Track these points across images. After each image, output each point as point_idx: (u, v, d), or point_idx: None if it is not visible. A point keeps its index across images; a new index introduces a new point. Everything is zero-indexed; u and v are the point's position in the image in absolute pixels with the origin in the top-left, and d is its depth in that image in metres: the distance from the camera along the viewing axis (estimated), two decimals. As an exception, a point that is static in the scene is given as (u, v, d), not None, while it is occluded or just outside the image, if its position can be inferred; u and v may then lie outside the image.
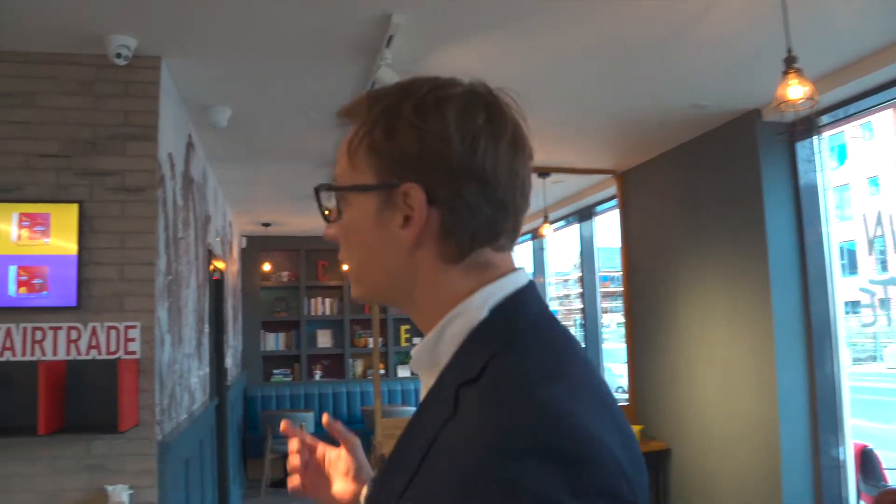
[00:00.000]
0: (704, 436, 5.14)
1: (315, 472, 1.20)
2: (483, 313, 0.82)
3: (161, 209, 3.46)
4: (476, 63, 3.70)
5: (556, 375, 0.74)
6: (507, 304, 0.83)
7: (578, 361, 0.80)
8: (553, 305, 9.34)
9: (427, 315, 0.87)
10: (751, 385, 4.60)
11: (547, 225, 6.44)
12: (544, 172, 6.12)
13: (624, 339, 6.26)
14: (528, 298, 0.85)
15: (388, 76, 3.27)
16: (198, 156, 4.87)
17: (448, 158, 0.81)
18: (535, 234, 9.21)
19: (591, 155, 5.85)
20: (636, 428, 5.66)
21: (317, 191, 0.90)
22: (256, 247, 9.54)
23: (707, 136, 5.08)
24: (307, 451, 1.21)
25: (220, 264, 6.33)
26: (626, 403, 6.23)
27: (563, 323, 0.88)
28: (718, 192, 4.96)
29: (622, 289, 6.25)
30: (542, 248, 9.34)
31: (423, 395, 0.87)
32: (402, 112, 0.83)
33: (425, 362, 0.86)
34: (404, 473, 0.77)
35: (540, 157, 5.92)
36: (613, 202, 7.02)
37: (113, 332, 3.24)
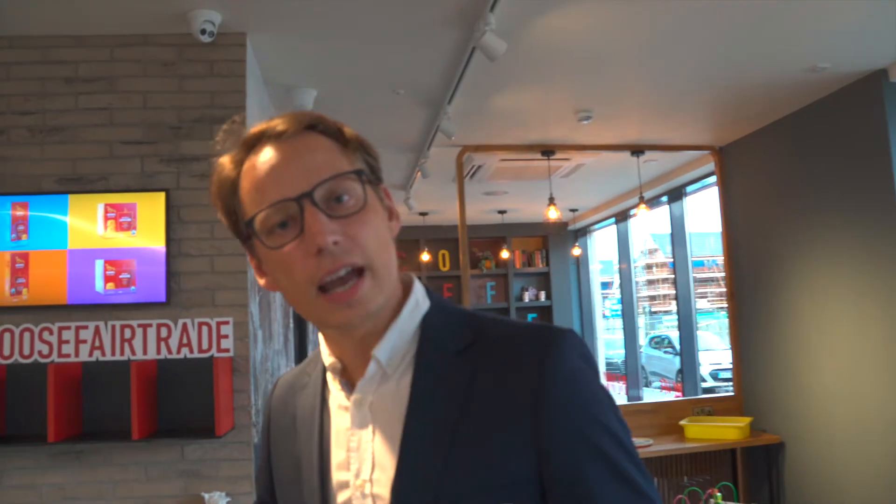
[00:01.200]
0: (825, 429, 4.72)
1: None
2: (427, 302, 0.99)
3: (250, 196, 3.23)
4: (581, 28, 3.38)
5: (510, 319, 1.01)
6: (429, 290, 1.01)
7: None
8: (640, 292, 8.93)
9: (389, 314, 0.95)
10: (885, 379, 4.17)
11: (643, 205, 6.05)
12: (638, 150, 5.75)
13: (726, 329, 5.86)
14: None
15: (494, 43, 2.97)
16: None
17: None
18: (621, 217, 8.82)
19: (686, 131, 5.46)
20: (744, 420, 5.27)
21: (346, 175, 0.91)
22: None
23: (823, 103, 4.63)
24: None
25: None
26: (730, 394, 5.84)
27: None
28: (838, 164, 4.51)
29: (715, 274, 5.83)
30: (626, 232, 8.93)
31: (358, 410, 0.95)
32: (355, 134, 0.98)
33: (394, 358, 0.95)
34: (433, 455, 0.88)
35: (633, 135, 5.58)
36: (705, 181, 6.62)
37: (205, 329, 3.03)
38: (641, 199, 6.11)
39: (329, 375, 1.02)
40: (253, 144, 0.93)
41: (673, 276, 7.54)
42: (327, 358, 1.00)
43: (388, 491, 0.90)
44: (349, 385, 0.98)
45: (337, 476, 0.97)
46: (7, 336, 3.03)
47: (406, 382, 0.93)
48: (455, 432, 0.88)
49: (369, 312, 0.89)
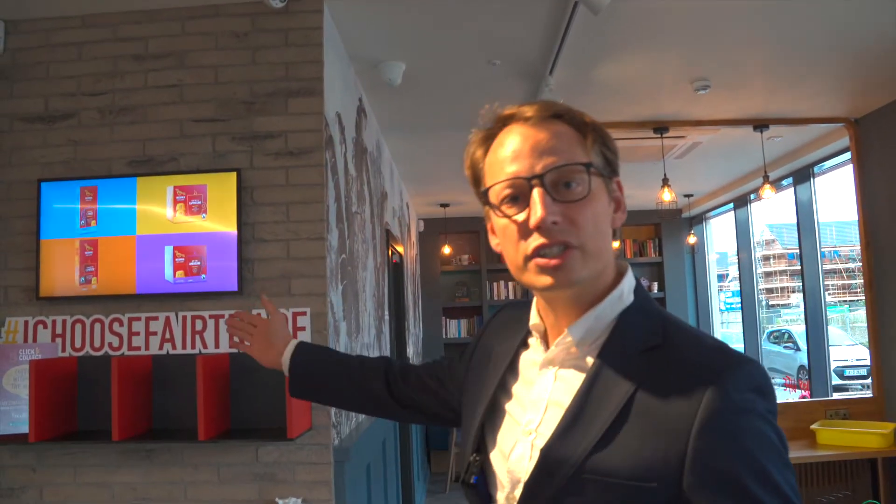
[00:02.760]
0: None
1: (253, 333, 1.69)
2: (631, 297, 1.07)
3: (331, 175, 2.97)
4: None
5: (707, 334, 1.04)
6: (640, 287, 1.09)
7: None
8: (760, 284, 8.28)
9: (592, 297, 1.05)
10: None
11: (767, 186, 5.48)
12: (761, 125, 5.21)
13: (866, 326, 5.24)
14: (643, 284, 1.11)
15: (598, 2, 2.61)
16: (370, 124, 4.40)
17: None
18: (740, 202, 8.19)
19: (817, 101, 4.88)
20: (888, 427, 4.68)
21: (574, 165, 1.00)
22: (434, 229, 9.11)
23: None
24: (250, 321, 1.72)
25: (398, 247, 5.89)
26: (868, 395, 5.23)
27: None
28: None
29: (837, 265, 5.20)
30: (746, 218, 8.27)
31: (544, 378, 1.09)
32: (602, 129, 1.08)
33: (571, 343, 1.06)
34: (589, 434, 0.98)
35: (756, 107, 5.04)
36: (836, 160, 5.99)
37: (280, 320, 2.78)
38: (766, 179, 5.54)
39: (533, 332, 1.16)
40: (504, 123, 1.08)
41: (791, 267, 6.91)
42: (534, 317, 1.14)
43: (541, 447, 1.02)
44: (546, 346, 1.12)
45: (508, 407, 1.14)
46: (78, 327, 2.87)
47: (590, 363, 1.04)
48: (616, 420, 0.96)
49: (571, 280, 1.00)
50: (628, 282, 1.07)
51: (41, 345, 2.86)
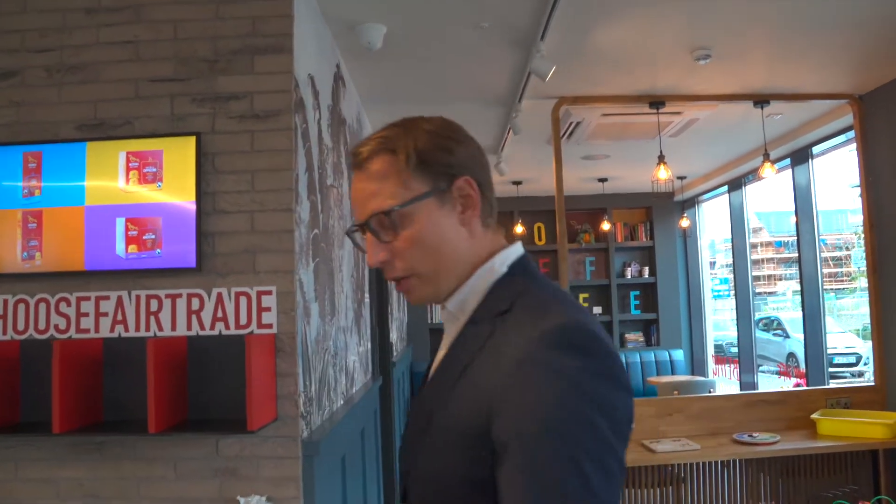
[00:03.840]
0: None
1: None
2: (504, 269, 1.14)
3: (301, 142, 2.70)
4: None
5: (564, 302, 1.06)
6: (519, 262, 1.16)
7: (570, 298, 1.10)
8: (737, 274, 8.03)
9: (461, 278, 1.14)
10: None
11: (768, 165, 5.24)
12: (762, 101, 4.96)
13: (868, 310, 5.02)
14: (530, 260, 1.18)
15: None
16: (350, 95, 4.13)
17: (476, 157, 1.16)
18: (734, 185, 7.95)
19: (821, 75, 4.64)
20: (891, 416, 4.47)
21: (378, 215, 1.11)
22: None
23: None
24: None
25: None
26: (870, 384, 5.03)
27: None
28: None
29: (827, 253, 4.97)
30: (741, 202, 8.04)
31: (446, 341, 1.18)
32: (421, 132, 1.13)
33: (454, 314, 1.15)
34: (440, 391, 1.07)
35: (757, 81, 4.80)
36: (837, 140, 5.77)
37: (243, 301, 2.53)
38: (766, 157, 5.30)
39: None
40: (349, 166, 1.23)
41: (779, 255, 6.68)
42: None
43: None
44: None
45: None
46: (21, 308, 2.61)
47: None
48: (459, 377, 1.05)
49: (419, 300, 1.16)
50: (502, 256, 1.15)
51: (-20, 326, 2.59)
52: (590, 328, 0.98)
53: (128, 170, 2.53)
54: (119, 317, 2.55)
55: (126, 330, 2.55)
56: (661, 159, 5.19)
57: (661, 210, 9.30)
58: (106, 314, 2.56)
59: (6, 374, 2.50)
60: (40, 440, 2.53)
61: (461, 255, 1.13)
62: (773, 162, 6.09)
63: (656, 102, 4.90)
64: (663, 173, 5.16)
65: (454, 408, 1.02)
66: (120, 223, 2.52)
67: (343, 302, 3.56)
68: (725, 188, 8.16)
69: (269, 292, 2.53)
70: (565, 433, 0.88)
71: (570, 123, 5.29)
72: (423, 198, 1.09)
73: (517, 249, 1.17)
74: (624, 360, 9.02)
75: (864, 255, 5.17)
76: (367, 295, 4.47)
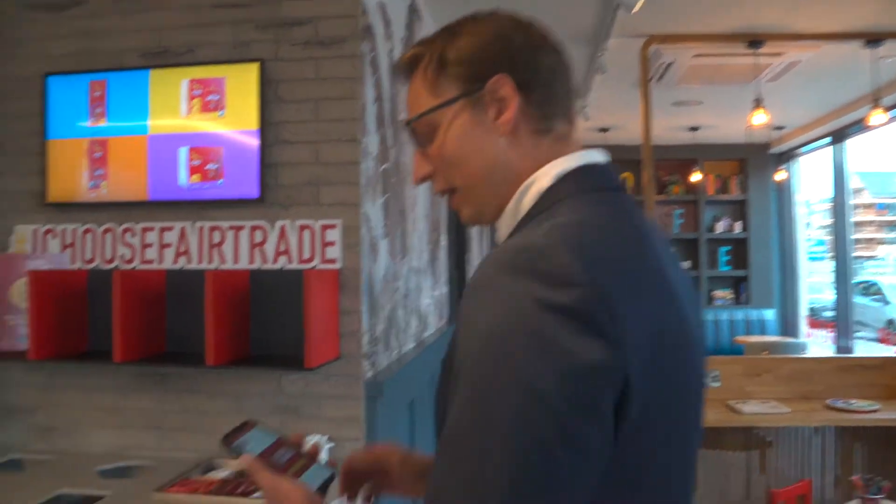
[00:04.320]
0: None
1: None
2: (549, 181, 0.93)
3: (369, 70, 2.58)
4: None
5: (587, 227, 0.83)
6: (573, 174, 0.93)
7: (632, 235, 0.87)
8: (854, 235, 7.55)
9: (502, 197, 0.97)
10: None
11: (879, 111, 4.84)
12: (873, 40, 4.58)
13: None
14: (594, 173, 0.94)
15: None
16: (427, 29, 3.97)
17: (518, 49, 0.95)
18: (838, 137, 7.47)
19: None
20: None
21: (410, 124, 1.01)
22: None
23: None
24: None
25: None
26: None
27: (634, 211, 0.92)
28: None
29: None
30: (842, 157, 7.54)
31: None
32: (462, 32, 0.98)
33: (504, 236, 0.96)
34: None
35: (867, 20, 4.42)
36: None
37: (306, 234, 2.45)
38: (876, 103, 4.90)
39: None
40: None
41: (881, 218, 6.21)
42: None
43: None
44: None
45: None
46: (89, 237, 2.59)
47: None
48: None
49: (469, 220, 1.03)
50: (550, 168, 0.94)
51: (50, 255, 2.59)
52: (567, 256, 0.77)
53: (190, 98, 2.46)
54: (182, 248, 2.51)
55: (189, 262, 2.50)
56: (757, 103, 4.86)
57: (756, 162, 8.87)
58: (169, 245, 2.52)
59: (74, 303, 2.49)
60: (107, 369, 2.52)
61: (498, 168, 0.96)
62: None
63: (754, 42, 4.57)
64: (760, 118, 4.85)
65: (450, 347, 0.90)
66: (182, 152, 2.46)
67: (416, 242, 3.45)
68: (827, 140, 7.67)
69: (334, 226, 2.43)
70: (501, 355, 0.75)
71: (661, 65, 5.01)
72: (451, 103, 0.96)
73: (578, 158, 0.95)
74: (712, 317, 8.71)
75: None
76: (443, 237, 4.36)
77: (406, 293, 3.19)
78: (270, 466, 0.99)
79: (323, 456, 2.13)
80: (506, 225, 0.96)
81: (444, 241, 4.39)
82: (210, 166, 2.44)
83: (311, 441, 2.20)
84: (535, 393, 0.72)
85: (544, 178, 0.93)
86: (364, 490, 1.19)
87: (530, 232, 0.83)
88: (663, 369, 0.79)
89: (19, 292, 2.50)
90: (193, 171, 2.45)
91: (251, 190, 2.42)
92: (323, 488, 1.00)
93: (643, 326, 0.77)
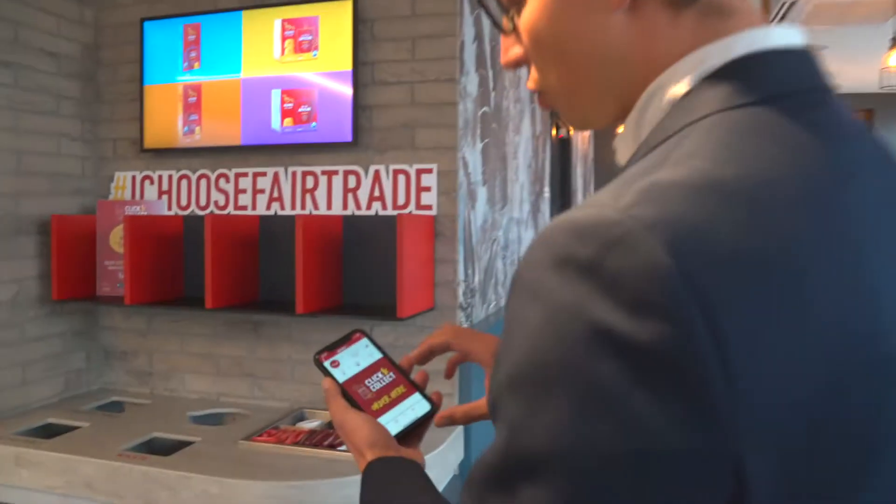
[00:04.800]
0: None
1: None
2: (688, 83, 0.57)
3: (467, 6, 2.42)
4: None
5: (715, 194, 0.48)
6: (730, 71, 0.55)
7: (809, 210, 0.49)
8: None
9: (621, 98, 0.63)
10: None
11: None
12: None
13: None
14: (770, 69, 0.55)
15: None
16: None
17: None
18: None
19: None
20: None
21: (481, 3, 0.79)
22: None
23: None
24: None
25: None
26: None
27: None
28: None
29: None
30: None
31: None
32: None
33: (623, 159, 0.64)
34: None
35: None
36: None
37: (401, 179, 2.34)
38: None
39: None
40: None
41: None
42: None
43: None
44: None
45: None
46: (184, 183, 2.57)
47: None
48: None
49: (570, 122, 0.70)
50: (689, 60, 0.57)
51: (147, 202, 2.59)
52: (656, 255, 0.44)
53: (283, 38, 2.38)
54: (275, 194, 2.45)
55: (282, 208, 2.45)
56: (894, 42, 4.44)
57: (888, 114, 8.24)
58: (262, 191, 2.46)
59: (170, 249, 2.48)
60: (201, 316, 2.51)
61: (611, 61, 0.62)
62: None
63: (894, -27, 4.17)
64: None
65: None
66: (275, 95, 2.38)
67: (518, 192, 3.31)
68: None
69: (430, 170, 2.32)
70: (536, 406, 0.48)
71: (783, 4, 4.63)
72: None
73: (745, 42, 0.56)
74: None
75: None
76: (546, 188, 4.19)
77: (506, 244, 3.06)
78: (353, 394, 0.86)
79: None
80: (624, 144, 0.64)
81: (547, 192, 4.23)
82: (303, 109, 2.36)
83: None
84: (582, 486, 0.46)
85: (680, 78, 0.58)
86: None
87: (622, 187, 0.50)
88: (831, 441, 0.46)
89: (118, 238, 2.51)
90: (286, 114, 2.38)
91: (344, 133, 2.33)
92: (414, 426, 0.86)
93: (788, 384, 0.45)
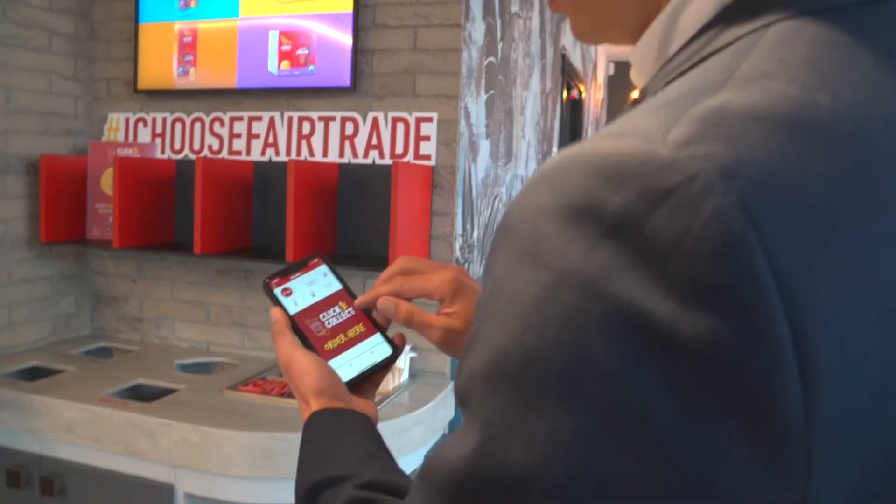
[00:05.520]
0: None
1: None
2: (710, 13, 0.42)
3: (473, -51, 2.32)
4: None
5: (800, 131, 0.33)
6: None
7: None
8: None
9: (644, 4, 0.47)
10: None
11: None
12: None
13: None
14: None
15: None
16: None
17: None
18: None
19: None
20: None
21: None
22: (625, 75, 8.19)
23: None
24: None
25: (580, 85, 5.17)
26: None
27: None
28: None
29: None
30: None
31: None
32: None
33: (639, 77, 0.50)
34: None
35: None
36: None
37: (400, 127, 2.26)
38: None
39: None
40: None
41: None
42: None
43: None
44: None
45: None
46: (178, 126, 2.49)
47: None
48: None
49: (580, 33, 0.54)
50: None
51: (140, 144, 2.51)
52: (729, 214, 0.31)
53: (282, -24, 2.28)
54: (270, 139, 2.37)
55: (277, 154, 2.37)
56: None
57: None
58: (258, 136, 2.38)
59: (162, 193, 2.41)
60: (193, 264, 2.46)
61: None
62: None
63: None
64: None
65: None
66: (273, 36, 2.29)
67: (524, 149, 3.22)
68: None
69: (430, 119, 2.23)
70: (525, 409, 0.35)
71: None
72: None
73: None
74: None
75: None
76: (555, 149, 4.10)
77: (506, 199, 2.97)
78: (305, 329, 0.75)
79: (402, 367, 1.96)
80: (644, 57, 0.48)
81: (555, 152, 4.12)
82: (301, 52, 2.27)
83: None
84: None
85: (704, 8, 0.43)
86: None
87: (668, 110, 0.36)
88: None
89: (109, 181, 2.44)
90: (283, 56, 2.29)
91: (343, 78, 2.24)
92: (371, 372, 0.75)
93: (880, 417, 0.33)
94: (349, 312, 0.79)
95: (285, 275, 0.80)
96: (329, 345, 0.75)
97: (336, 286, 0.81)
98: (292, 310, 0.77)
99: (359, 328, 0.78)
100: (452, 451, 0.39)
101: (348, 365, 0.75)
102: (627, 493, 0.32)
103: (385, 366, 0.77)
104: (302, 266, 0.81)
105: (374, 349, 0.77)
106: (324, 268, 0.82)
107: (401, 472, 0.64)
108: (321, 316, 0.77)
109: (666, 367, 0.31)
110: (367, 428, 0.69)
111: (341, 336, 0.77)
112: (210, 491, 1.81)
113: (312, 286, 0.80)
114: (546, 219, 0.35)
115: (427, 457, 0.43)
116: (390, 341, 0.78)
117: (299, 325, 0.76)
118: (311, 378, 0.71)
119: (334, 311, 0.78)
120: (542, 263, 0.35)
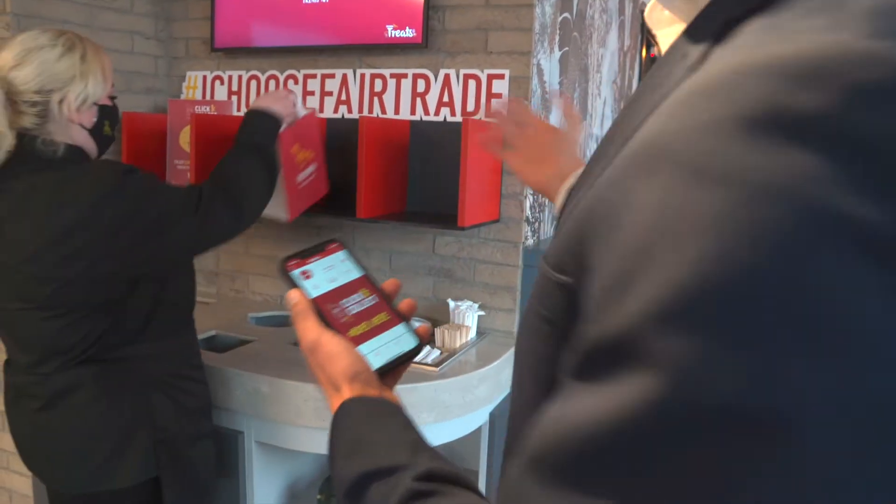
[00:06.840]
0: None
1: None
2: None
3: None
4: None
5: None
6: None
7: None
8: None
9: None
10: None
11: None
12: None
13: None
14: None
15: None
16: None
17: None
18: None
19: None
20: None
21: None
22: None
23: None
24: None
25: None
26: None
27: None
28: None
29: None
30: None
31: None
32: None
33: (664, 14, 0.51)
34: (607, 158, 0.43)
35: None
36: None
37: (472, 84, 2.23)
38: None
39: None
40: None
41: None
42: None
43: None
44: None
45: None
46: (253, 84, 2.53)
47: None
48: (613, 151, 0.44)
49: None
50: None
51: (217, 102, 2.55)
52: None
53: (356, -69, 2.27)
54: (343, 96, 2.38)
55: (349, 111, 2.38)
56: None
57: None
58: (330, 93, 2.40)
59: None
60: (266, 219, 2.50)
61: None
62: None
63: None
64: None
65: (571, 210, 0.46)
66: (346, -8, 2.29)
67: (599, 107, 3.15)
68: None
69: (502, 76, 2.20)
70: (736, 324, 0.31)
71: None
72: None
73: None
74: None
75: None
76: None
77: (583, 160, 2.92)
78: (327, 314, 0.72)
79: (470, 325, 1.95)
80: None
81: (633, 112, 4.03)
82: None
83: (455, 306, 2.07)
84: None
85: None
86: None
87: (816, 11, 0.34)
88: None
89: (187, 138, 2.49)
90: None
91: (415, 35, 2.22)
92: (397, 362, 0.73)
93: None
94: (373, 300, 0.76)
95: (304, 257, 0.77)
96: (353, 331, 0.73)
97: (357, 272, 0.78)
98: (313, 293, 0.74)
99: (383, 316, 0.75)
100: (597, 414, 0.34)
101: (374, 354, 0.72)
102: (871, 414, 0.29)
103: (409, 357, 0.74)
104: (320, 249, 0.79)
105: (399, 339, 0.74)
106: (342, 253, 0.79)
107: (453, 464, 0.60)
108: (342, 302, 0.74)
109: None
110: (407, 418, 0.65)
111: (365, 324, 0.74)
112: (278, 440, 1.86)
113: (332, 271, 0.77)
114: (722, 132, 0.32)
115: (531, 436, 0.37)
116: (414, 333, 0.76)
117: (321, 309, 0.73)
118: (343, 362, 0.68)
119: (356, 297, 0.75)
120: (725, 180, 0.31)
